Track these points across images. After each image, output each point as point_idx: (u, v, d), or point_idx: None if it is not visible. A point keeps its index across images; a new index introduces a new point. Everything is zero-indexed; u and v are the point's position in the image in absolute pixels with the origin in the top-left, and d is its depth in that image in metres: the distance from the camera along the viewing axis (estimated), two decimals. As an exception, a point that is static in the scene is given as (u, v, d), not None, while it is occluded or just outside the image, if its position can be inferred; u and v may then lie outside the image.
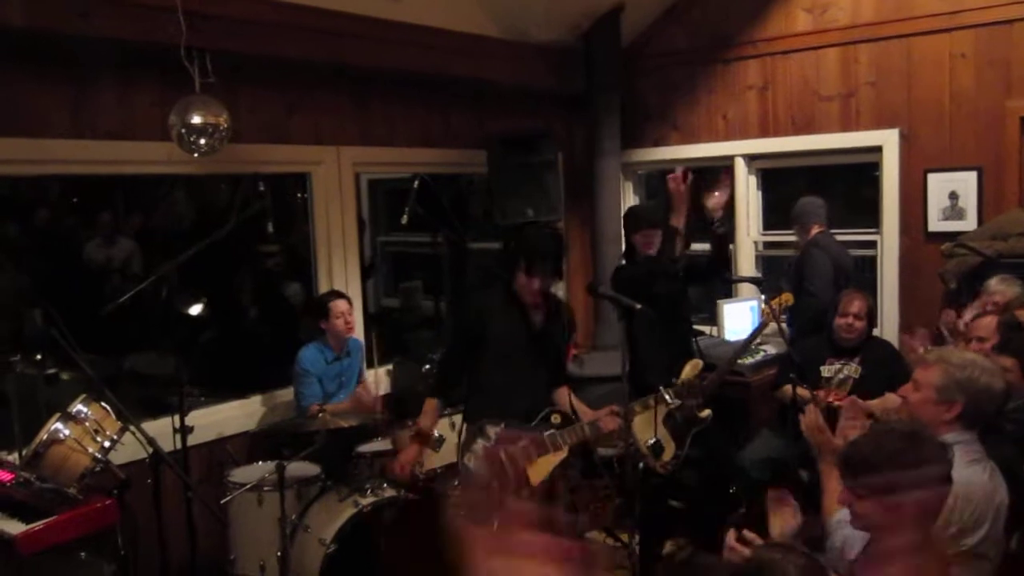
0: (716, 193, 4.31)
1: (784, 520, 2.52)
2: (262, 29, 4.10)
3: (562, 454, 3.38)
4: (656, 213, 4.58)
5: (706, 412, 4.06)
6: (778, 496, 2.52)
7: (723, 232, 4.42)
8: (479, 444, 3.39)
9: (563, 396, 3.75)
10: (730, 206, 5.71)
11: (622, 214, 5.29)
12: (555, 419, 3.46)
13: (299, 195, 5.15)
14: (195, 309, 4.67)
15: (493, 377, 3.53)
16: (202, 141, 3.80)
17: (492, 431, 3.38)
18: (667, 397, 3.74)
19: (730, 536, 2.28)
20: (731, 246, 5.91)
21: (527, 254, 3.47)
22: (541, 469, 3.32)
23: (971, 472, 2.37)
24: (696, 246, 4.80)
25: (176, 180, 5.94)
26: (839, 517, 2.53)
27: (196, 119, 3.75)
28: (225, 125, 3.84)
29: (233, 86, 4.27)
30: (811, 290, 4.80)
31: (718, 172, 4.53)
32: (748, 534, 2.24)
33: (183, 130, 3.78)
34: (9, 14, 3.33)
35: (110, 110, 4.03)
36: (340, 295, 4.61)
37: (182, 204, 6.51)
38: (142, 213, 6.59)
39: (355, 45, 4.52)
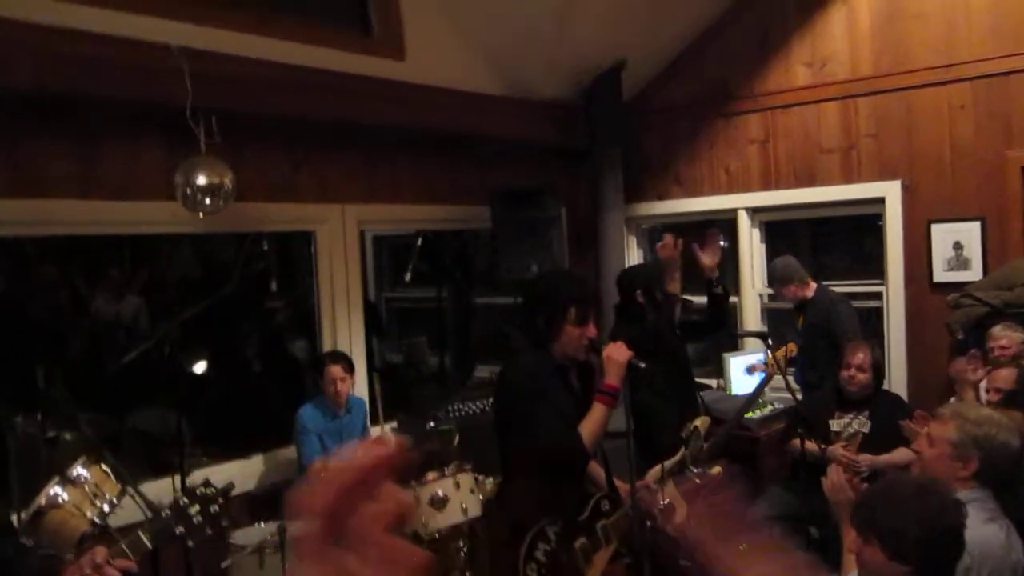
0: (707, 253, 4.34)
1: None
2: (268, 90, 4.15)
3: (612, 547, 3.07)
4: (654, 273, 4.60)
5: (716, 469, 3.99)
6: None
7: (720, 293, 4.42)
8: (541, 550, 2.98)
9: (597, 472, 3.33)
10: (726, 261, 5.72)
11: (644, 264, 5.29)
12: (604, 506, 3.11)
13: (309, 248, 5.16)
14: (198, 367, 4.66)
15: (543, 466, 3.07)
16: (207, 201, 3.83)
17: (552, 532, 2.99)
18: (688, 463, 3.64)
19: None
20: (735, 298, 5.92)
21: (577, 301, 3.08)
22: (595, 568, 3.03)
23: (987, 531, 2.32)
24: (695, 298, 4.81)
25: (182, 238, 5.97)
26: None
27: (201, 179, 3.79)
28: (230, 185, 3.88)
29: (239, 145, 4.32)
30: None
31: (705, 230, 4.52)
32: None
33: (188, 190, 3.81)
34: (19, 75, 3.39)
35: (116, 170, 4.06)
36: (337, 359, 4.56)
37: (189, 261, 6.54)
38: (149, 269, 6.62)
39: (361, 104, 4.58)
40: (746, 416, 4.89)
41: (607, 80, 5.79)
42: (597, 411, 3.03)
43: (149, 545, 2.31)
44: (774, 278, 5.28)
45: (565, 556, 2.99)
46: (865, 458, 4.21)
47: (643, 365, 2.96)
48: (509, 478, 3.22)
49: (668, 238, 4.25)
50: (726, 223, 6.02)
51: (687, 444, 3.78)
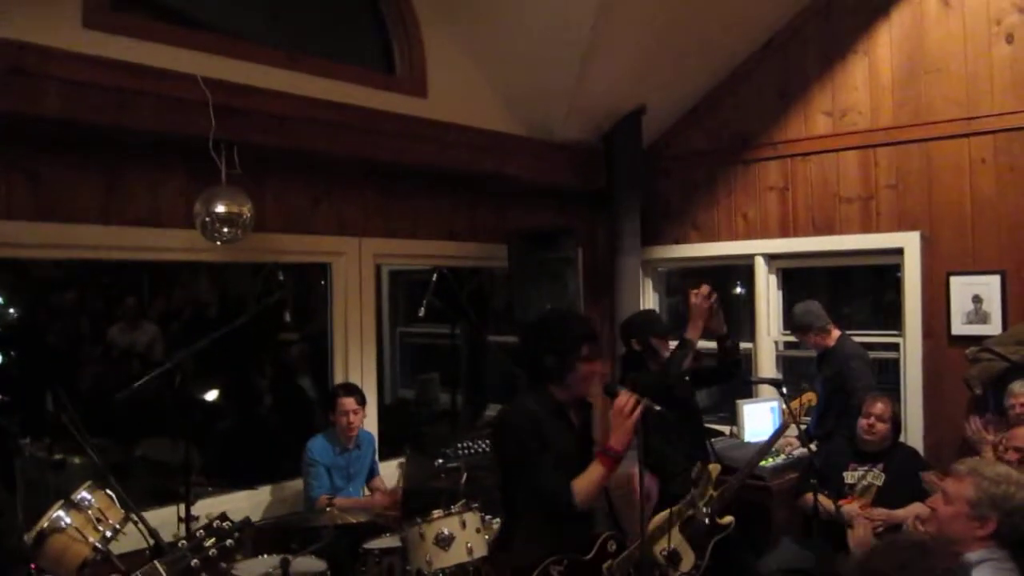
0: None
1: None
2: (290, 124, 4.20)
3: None
4: (650, 320, 4.62)
5: (728, 519, 3.93)
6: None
7: (731, 346, 4.44)
8: None
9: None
10: (741, 308, 5.71)
11: (639, 312, 5.24)
12: (611, 547, 3.08)
13: (322, 282, 5.19)
14: (210, 395, 4.67)
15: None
16: (225, 230, 3.87)
17: (556, 571, 2.94)
18: (699, 506, 3.59)
19: None
20: (750, 345, 5.88)
21: (588, 338, 3.06)
22: None
23: (1003, 591, 2.26)
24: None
25: (200, 267, 6.02)
26: None
27: (220, 208, 3.83)
28: (248, 215, 3.91)
29: (259, 176, 4.36)
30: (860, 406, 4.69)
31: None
32: None
33: (207, 219, 3.85)
34: (47, 104, 3.45)
35: (139, 198, 4.12)
36: (350, 392, 4.55)
37: (205, 291, 6.59)
38: (166, 298, 6.66)
39: (382, 141, 4.62)
40: (759, 465, 4.81)
41: (627, 125, 5.83)
42: (596, 472, 2.96)
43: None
44: (794, 325, 5.18)
45: None
46: (880, 512, 4.13)
47: (659, 408, 2.91)
48: (511, 517, 3.16)
49: (704, 288, 4.22)
50: (744, 269, 6.01)
51: (696, 484, 3.73)
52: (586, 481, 2.96)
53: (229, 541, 2.38)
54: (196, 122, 3.76)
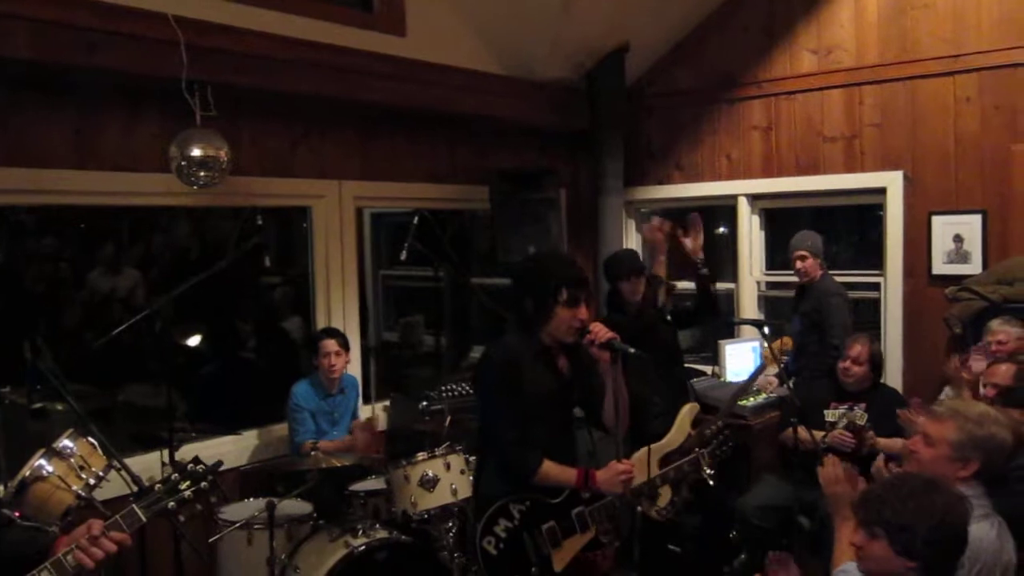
0: (689, 239, 4.39)
1: None
2: (265, 64, 4.10)
3: (589, 534, 3.04)
4: (638, 260, 4.58)
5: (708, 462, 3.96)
6: (780, 559, 2.46)
7: (706, 274, 4.45)
8: (502, 526, 2.96)
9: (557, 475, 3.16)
10: (724, 248, 5.71)
11: (612, 253, 5.20)
12: (584, 494, 3.04)
13: (303, 225, 5.13)
14: (192, 341, 4.64)
15: None
16: (202, 173, 3.81)
17: (516, 510, 2.97)
18: (703, 466, 3.60)
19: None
20: (732, 285, 5.90)
21: (567, 283, 2.94)
22: (566, 553, 3.00)
23: (979, 528, 2.30)
24: (683, 284, 4.82)
25: (179, 211, 5.94)
26: (844, 568, 2.47)
27: (196, 152, 3.76)
28: (225, 158, 3.85)
29: (235, 119, 4.28)
30: (835, 343, 4.70)
31: (688, 216, 4.51)
32: None
33: (183, 162, 3.78)
34: (15, 46, 3.34)
35: (112, 141, 4.04)
36: (332, 334, 4.53)
37: (186, 235, 6.51)
38: (145, 244, 6.59)
39: (360, 80, 4.53)
40: (740, 404, 4.87)
41: (610, 63, 5.74)
42: (566, 477, 2.98)
43: (144, 519, 2.33)
44: (806, 244, 4.99)
45: (527, 536, 2.97)
46: (869, 436, 4.16)
47: (632, 351, 2.90)
48: (485, 448, 3.17)
49: (655, 220, 4.38)
50: (727, 210, 6.00)
51: (707, 444, 3.72)
52: (554, 473, 2.98)
53: (204, 483, 2.43)
54: (168, 63, 3.66)
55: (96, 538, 2.22)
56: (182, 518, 2.49)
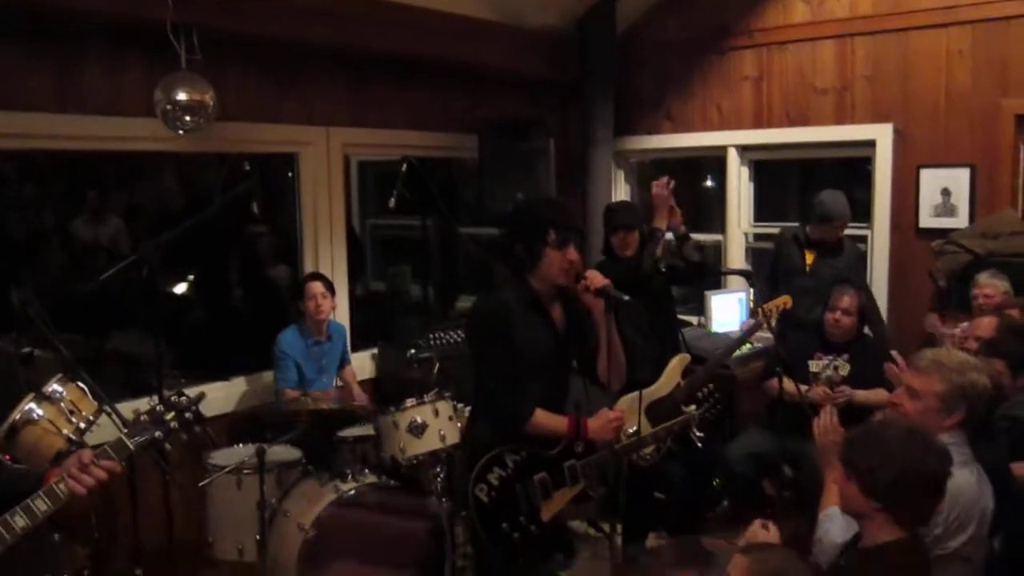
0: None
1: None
2: (252, 7, 4.03)
3: (579, 487, 3.07)
4: (632, 214, 4.55)
5: (691, 407, 4.01)
6: (763, 525, 2.52)
7: (689, 247, 4.50)
8: (495, 474, 2.99)
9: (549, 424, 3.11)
10: (713, 200, 5.70)
11: (606, 205, 5.19)
12: (578, 447, 3.06)
13: (288, 174, 5.09)
14: (179, 288, 4.63)
15: None
16: (187, 118, 3.76)
17: (511, 459, 3.00)
18: (694, 427, 3.63)
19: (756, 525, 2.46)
20: (719, 237, 5.91)
21: (556, 224, 2.92)
22: (555, 504, 3.04)
23: (959, 475, 2.34)
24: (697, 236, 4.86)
25: (164, 159, 5.87)
26: (828, 512, 2.55)
27: (181, 96, 3.72)
28: (211, 103, 3.80)
29: (222, 64, 4.21)
30: (874, 319, 4.72)
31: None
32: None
33: (168, 107, 3.74)
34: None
35: (96, 86, 3.97)
36: (317, 277, 4.53)
37: (172, 182, 6.44)
38: (130, 192, 6.51)
39: (348, 25, 4.46)
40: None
41: (600, 10, 5.67)
42: (558, 426, 3.00)
43: (131, 447, 2.37)
44: (830, 212, 4.73)
45: (520, 486, 3.01)
46: (844, 390, 4.22)
47: (626, 298, 2.91)
48: (477, 405, 3.20)
49: (664, 178, 4.38)
50: (716, 161, 5.98)
51: (700, 404, 3.76)
52: (546, 422, 3.00)
53: (188, 413, 2.48)
54: (153, 4, 3.58)
55: (86, 465, 2.27)
56: (168, 447, 2.58)
